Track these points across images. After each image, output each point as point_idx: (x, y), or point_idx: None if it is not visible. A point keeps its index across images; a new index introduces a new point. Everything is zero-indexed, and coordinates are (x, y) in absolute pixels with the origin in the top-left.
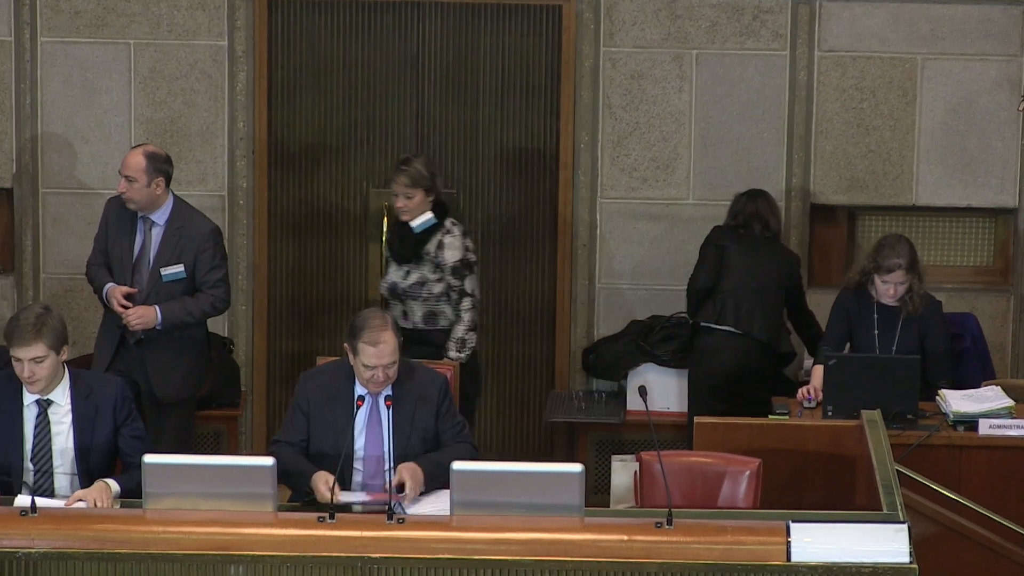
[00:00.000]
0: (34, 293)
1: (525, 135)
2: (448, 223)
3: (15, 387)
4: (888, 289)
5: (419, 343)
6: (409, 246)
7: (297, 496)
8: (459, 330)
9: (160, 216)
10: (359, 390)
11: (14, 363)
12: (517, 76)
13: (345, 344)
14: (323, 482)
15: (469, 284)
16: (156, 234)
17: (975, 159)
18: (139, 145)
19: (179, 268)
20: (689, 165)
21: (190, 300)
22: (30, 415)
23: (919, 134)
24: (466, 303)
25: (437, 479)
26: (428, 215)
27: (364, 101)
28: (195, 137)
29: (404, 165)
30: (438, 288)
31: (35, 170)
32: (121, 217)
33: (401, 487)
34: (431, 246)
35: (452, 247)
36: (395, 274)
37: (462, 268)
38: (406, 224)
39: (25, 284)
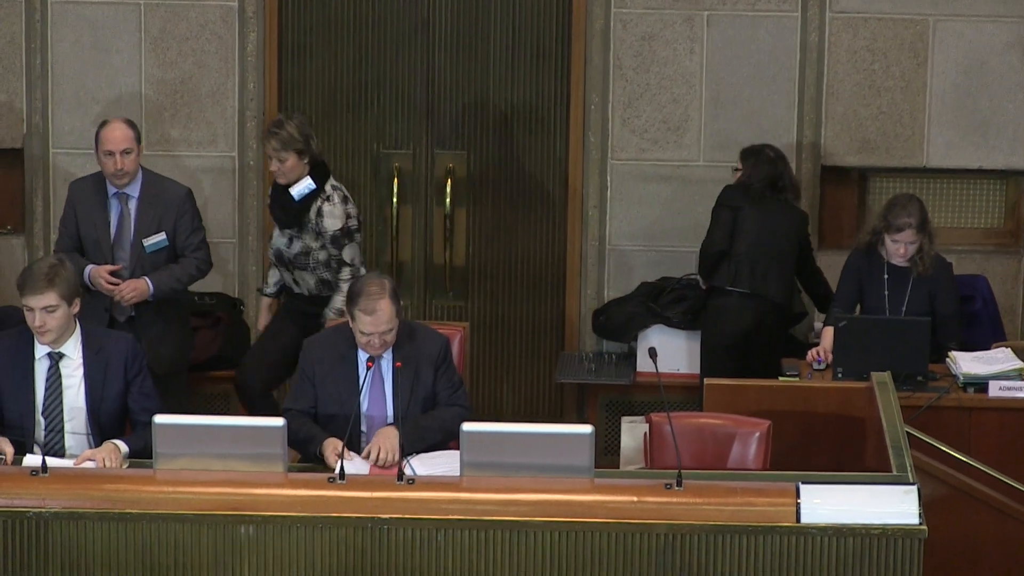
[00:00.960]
0: (44, 253)
1: (535, 96)
2: (328, 188)
3: (27, 340)
4: (898, 248)
5: (315, 305)
6: (291, 214)
7: (309, 462)
8: (337, 300)
9: (134, 188)
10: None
11: (26, 312)
12: (527, 37)
13: (344, 308)
14: (332, 450)
15: (348, 253)
16: (132, 207)
17: (986, 121)
18: (113, 119)
19: (161, 236)
20: (700, 127)
21: (176, 267)
22: (41, 368)
23: (930, 96)
24: (345, 273)
25: (421, 442)
26: (307, 181)
27: (374, 62)
28: (205, 98)
29: (276, 127)
30: (323, 256)
31: (45, 130)
32: (89, 199)
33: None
34: (312, 213)
35: (331, 215)
36: (279, 239)
37: (341, 237)
38: (287, 190)
39: (35, 244)
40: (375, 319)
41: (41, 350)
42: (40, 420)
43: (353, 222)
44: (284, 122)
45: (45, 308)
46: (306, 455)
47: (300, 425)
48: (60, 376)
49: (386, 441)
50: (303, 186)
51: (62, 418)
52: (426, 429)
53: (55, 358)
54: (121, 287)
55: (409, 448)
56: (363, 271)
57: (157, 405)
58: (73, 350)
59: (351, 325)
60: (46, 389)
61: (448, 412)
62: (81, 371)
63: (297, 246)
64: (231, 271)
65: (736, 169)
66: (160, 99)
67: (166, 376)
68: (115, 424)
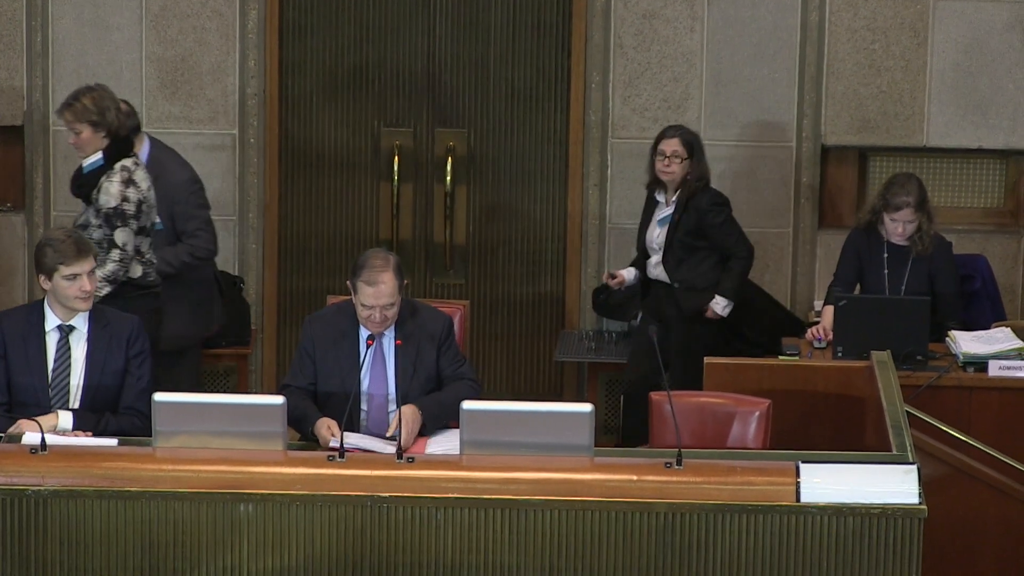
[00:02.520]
0: (44, 231)
1: (536, 75)
2: (117, 166)
3: (38, 316)
4: (897, 227)
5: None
6: (80, 187)
7: (306, 440)
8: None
9: None
10: (366, 330)
11: (67, 283)
12: (528, 14)
13: (348, 282)
14: (326, 429)
15: (120, 236)
16: None
17: (986, 100)
18: None
19: (156, 220)
20: (700, 106)
21: (169, 250)
22: (51, 340)
23: (930, 75)
24: (114, 255)
25: (439, 420)
26: (96, 156)
27: (375, 39)
28: (206, 75)
29: (71, 99)
30: (98, 235)
31: (46, 108)
32: None
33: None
34: (96, 190)
35: (106, 192)
36: (84, 215)
37: (113, 217)
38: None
39: (36, 221)
40: (377, 291)
41: (51, 322)
42: (50, 392)
43: (130, 207)
44: (81, 94)
45: (90, 272)
46: (302, 433)
47: (296, 402)
48: (69, 348)
49: (412, 419)
50: (92, 160)
51: (68, 393)
52: (445, 407)
53: (65, 331)
54: None
55: (431, 427)
56: (146, 264)
57: (145, 408)
58: (82, 323)
59: (353, 299)
60: (55, 361)
61: (460, 387)
62: (86, 344)
63: (81, 220)
64: (231, 248)
65: (660, 155)
66: (161, 76)
67: (174, 353)
68: (109, 403)
